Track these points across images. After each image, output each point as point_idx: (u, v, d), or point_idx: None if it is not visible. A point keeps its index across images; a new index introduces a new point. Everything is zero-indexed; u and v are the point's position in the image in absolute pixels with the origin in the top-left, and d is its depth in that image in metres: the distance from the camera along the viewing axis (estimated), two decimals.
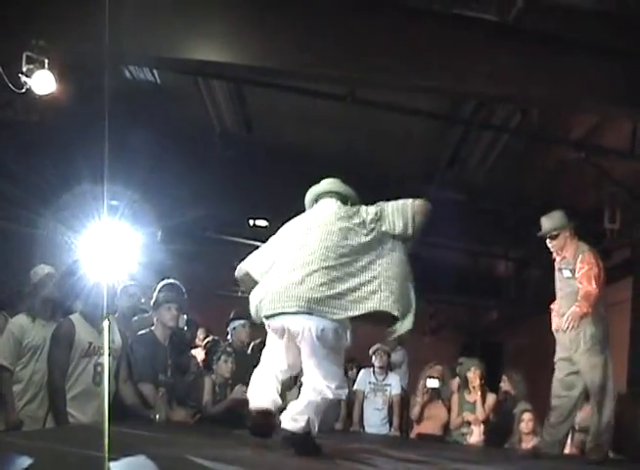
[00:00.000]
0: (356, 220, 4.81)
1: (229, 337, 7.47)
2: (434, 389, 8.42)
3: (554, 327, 6.41)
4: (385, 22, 7.04)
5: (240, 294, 15.97)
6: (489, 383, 8.46)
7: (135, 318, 6.74)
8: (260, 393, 4.76)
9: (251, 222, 13.20)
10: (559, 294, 6.41)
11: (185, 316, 6.96)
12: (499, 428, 8.34)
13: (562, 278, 6.35)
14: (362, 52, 7.04)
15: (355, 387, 8.70)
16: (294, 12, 6.99)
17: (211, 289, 14.92)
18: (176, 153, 10.17)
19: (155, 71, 8.93)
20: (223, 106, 9.84)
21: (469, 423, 8.19)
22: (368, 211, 4.87)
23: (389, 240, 4.83)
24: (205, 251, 14.22)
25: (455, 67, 7.11)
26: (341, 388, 4.57)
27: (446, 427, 8.44)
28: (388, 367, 8.87)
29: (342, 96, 8.28)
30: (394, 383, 8.69)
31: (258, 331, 7.62)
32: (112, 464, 2.53)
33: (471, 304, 16.13)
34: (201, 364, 7.19)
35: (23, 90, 6.67)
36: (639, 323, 10.07)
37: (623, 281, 10.35)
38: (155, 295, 6.20)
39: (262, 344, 7.57)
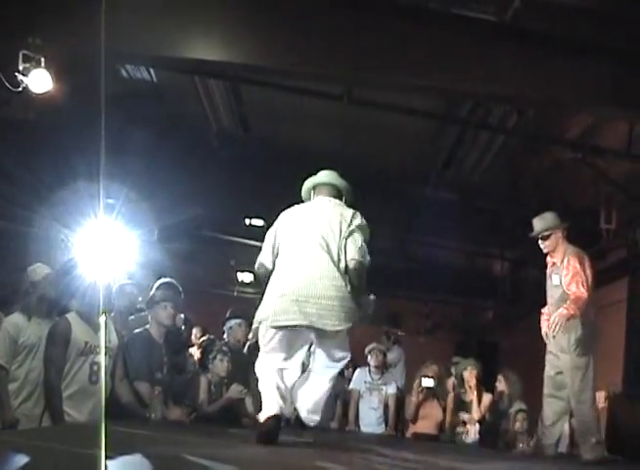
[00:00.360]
0: (344, 227, 4.96)
1: (225, 336, 7.47)
2: (429, 388, 8.43)
3: (544, 331, 6.44)
4: (382, 21, 7.03)
5: (236, 293, 16.07)
6: (485, 382, 8.46)
7: (132, 317, 6.74)
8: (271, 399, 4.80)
9: (248, 221, 13.18)
10: (549, 300, 6.45)
11: (182, 316, 6.97)
12: (494, 428, 8.35)
13: (551, 285, 6.39)
14: (359, 51, 7.03)
15: (351, 386, 8.71)
16: (290, 11, 6.98)
17: (208, 288, 14.94)
18: (173, 152, 10.16)
19: (151, 70, 8.93)
20: (220, 105, 9.85)
21: (464, 422, 8.21)
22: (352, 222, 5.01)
23: None
24: (201, 250, 14.22)
25: (451, 66, 7.10)
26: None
27: (442, 426, 8.45)
28: (384, 366, 8.88)
29: (339, 95, 8.28)
30: (390, 382, 8.70)
31: None
32: (108, 463, 2.52)
33: (467, 303, 16.15)
34: (197, 363, 7.19)
35: (20, 89, 6.67)
36: (634, 324, 10.08)
37: (619, 281, 10.37)
38: (151, 293, 6.21)
39: (258, 343, 7.59)
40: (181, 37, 6.99)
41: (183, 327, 7.14)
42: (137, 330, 6.18)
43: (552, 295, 6.39)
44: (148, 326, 6.14)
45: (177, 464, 3.08)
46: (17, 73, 6.57)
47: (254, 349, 7.78)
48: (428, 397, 8.48)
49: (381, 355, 8.72)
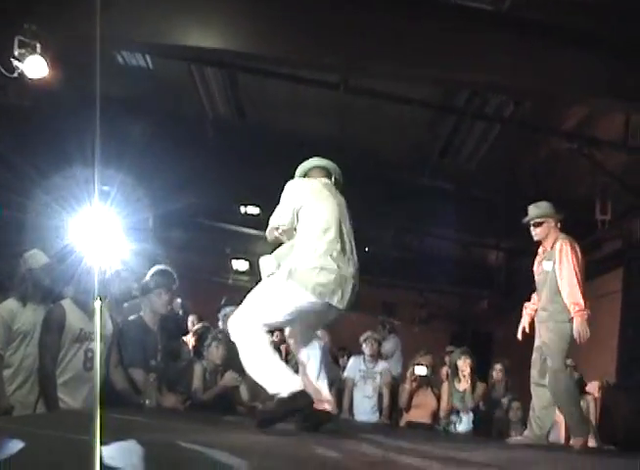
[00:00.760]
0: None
1: (220, 323, 7.47)
2: (422, 376, 8.45)
3: (526, 322, 6.48)
4: (379, 10, 7.02)
5: (231, 281, 16.07)
6: (479, 372, 8.48)
7: (126, 304, 6.74)
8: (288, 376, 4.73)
9: (243, 209, 13.19)
10: (538, 287, 6.42)
11: (179, 300, 6.95)
12: (488, 416, 8.38)
13: (542, 271, 6.37)
14: (356, 40, 7.03)
15: (345, 374, 8.72)
16: None
17: (203, 275, 14.95)
18: (168, 139, 10.15)
19: (147, 57, 8.91)
20: (216, 92, 9.83)
21: (458, 411, 8.23)
22: None
23: None
24: (196, 237, 14.22)
25: (448, 56, 7.11)
26: None
27: (436, 415, 8.47)
28: (379, 355, 8.88)
29: (336, 84, 8.27)
30: (384, 371, 8.70)
31: None
32: (102, 449, 2.53)
33: (462, 293, 16.18)
34: (191, 351, 7.19)
35: (15, 74, 6.65)
36: (629, 314, 10.11)
37: (614, 272, 10.40)
38: (145, 280, 6.20)
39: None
40: (177, 24, 6.97)
41: (181, 312, 7.13)
42: (131, 317, 6.17)
43: (540, 281, 6.38)
44: (142, 313, 6.13)
45: (172, 451, 3.08)
46: (12, 59, 6.56)
47: None
48: (421, 385, 8.49)
49: (376, 344, 8.72)
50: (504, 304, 14.66)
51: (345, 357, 9.43)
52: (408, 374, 8.56)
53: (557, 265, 6.15)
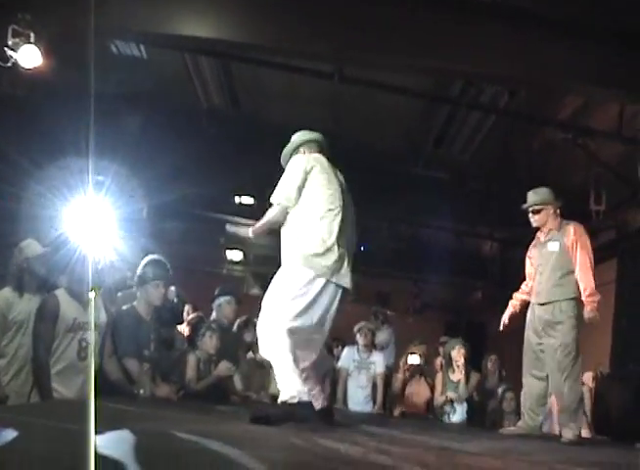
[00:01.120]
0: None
1: (214, 313, 7.48)
2: (415, 365, 8.47)
3: (507, 314, 6.50)
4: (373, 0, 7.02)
5: (225, 271, 16.05)
6: (473, 362, 8.51)
7: (120, 294, 6.73)
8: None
9: (238, 200, 13.17)
10: (539, 269, 6.41)
11: (173, 288, 6.94)
12: (482, 407, 8.41)
13: (545, 252, 6.36)
14: (350, 30, 7.01)
15: (339, 364, 8.73)
16: None
17: (197, 266, 14.92)
18: (162, 129, 10.12)
19: (141, 46, 8.88)
20: (210, 82, 9.81)
21: (452, 401, 8.25)
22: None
23: None
24: (190, 228, 14.19)
25: (442, 46, 7.10)
26: None
27: (429, 405, 8.50)
28: (373, 345, 8.89)
29: (330, 73, 8.26)
30: (378, 361, 8.71)
31: (243, 308, 7.65)
32: (96, 438, 2.53)
33: (456, 283, 16.17)
34: (185, 340, 7.20)
35: (9, 64, 6.63)
36: (623, 305, 10.14)
37: (608, 263, 10.41)
38: (140, 271, 6.19)
39: (247, 321, 7.60)
40: (171, 13, 6.95)
41: (176, 300, 7.13)
42: (124, 307, 6.17)
43: (543, 263, 6.35)
44: (135, 303, 6.13)
45: (165, 440, 3.09)
46: (6, 48, 6.53)
47: (243, 326, 7.83)
48: (414, 374, 8.52)
49: (370, 334, 8.73)
50: (498, 294, 14.61)
51: (340, 348, 9.44)
52: (401, 363, 8.58)
53: (572, 247, 6.14)
